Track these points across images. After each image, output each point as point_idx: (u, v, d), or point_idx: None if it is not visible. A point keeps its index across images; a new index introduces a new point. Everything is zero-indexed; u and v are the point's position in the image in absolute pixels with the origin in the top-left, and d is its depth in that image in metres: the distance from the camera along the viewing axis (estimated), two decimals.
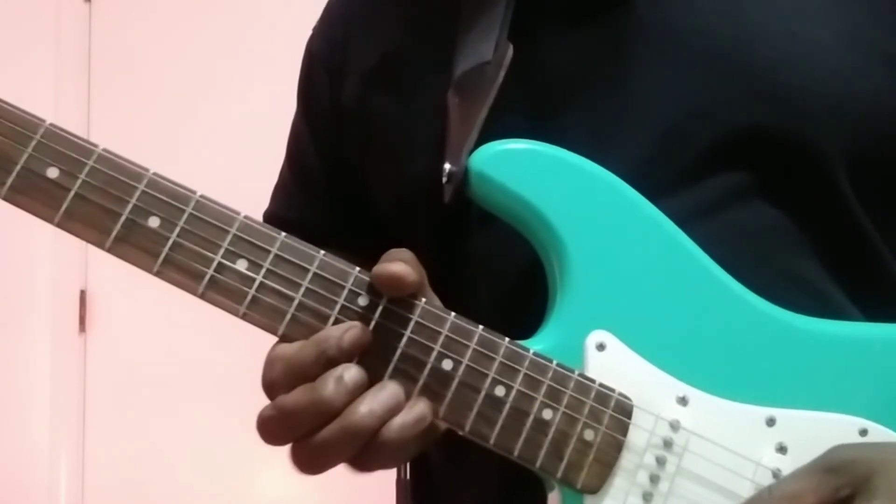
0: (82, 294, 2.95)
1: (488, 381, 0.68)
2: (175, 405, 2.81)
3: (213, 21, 2.92)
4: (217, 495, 2.80)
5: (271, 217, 0.99)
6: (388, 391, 0.66)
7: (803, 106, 0.75)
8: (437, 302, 0.71)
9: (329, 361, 0.65)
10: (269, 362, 0.69)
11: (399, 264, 0.67)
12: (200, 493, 2.79)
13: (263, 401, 0.69)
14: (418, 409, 0.66)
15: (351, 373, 0.65)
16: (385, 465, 0.68)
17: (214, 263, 0.66)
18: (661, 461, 0.70)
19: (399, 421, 0.66)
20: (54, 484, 2.90)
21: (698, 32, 0.77)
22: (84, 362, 2.95)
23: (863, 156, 0.76)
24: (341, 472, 0.70)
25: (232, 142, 2.76)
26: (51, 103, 2.81)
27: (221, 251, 0.67)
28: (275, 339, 0.70)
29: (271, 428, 0.67)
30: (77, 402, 2.93)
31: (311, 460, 0.67)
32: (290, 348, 0.67)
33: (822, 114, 0.75)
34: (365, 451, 0.66)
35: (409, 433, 0.66)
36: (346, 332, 0.66)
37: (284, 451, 0.68)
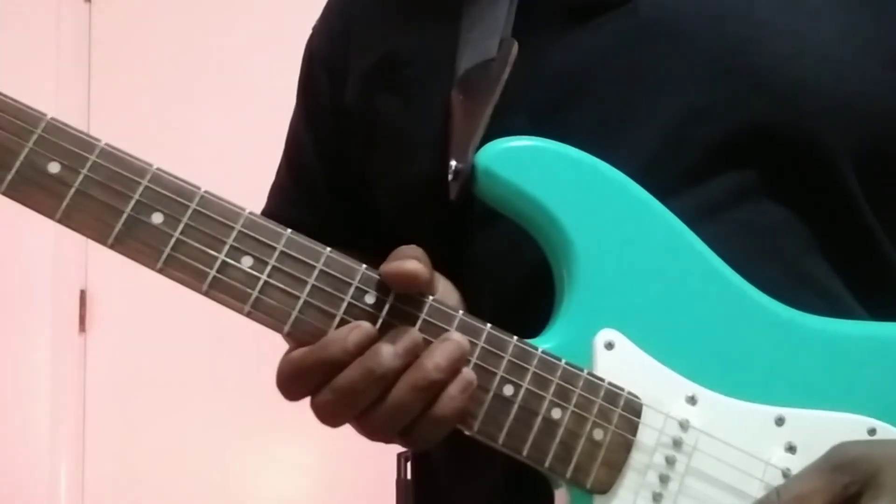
0: (82, 294, 2.94)
1: (497, 379, 0.68)
2: (175, 405, 2.81)
3: (213, 20, 2.91)
4: (217, 495, 2.80)
5: (268, 217, 0.98)
6: (452, 343, 0.66)
7: (808, 104, 0.75)
8: (455, 295, 0.71)
9: (334, 365, 0.65)
10: (279, 367, 0.68)
11: (414, 262, 0.66)
12: (200, 493, 2.78)
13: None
14: (467, 373, 0.66)
15: (407, 336, 0.65)
16: (435, 433, 0.67)
17: (219, 261, 0.66)
18: (670, 461, 0.69)
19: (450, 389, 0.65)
20: (54, 484, 2.90)
21: (703, 30, 0.77)
22: (84, 362, 2.94)
23: (868, 154, 0.76)
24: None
25: (232, 142, 2.76)
26: (51, 103, 2.80)
27: (226, 248, 0.66)
28: (276, 336, 0.69)
29: (334, 410, 0.66)
30: (77, 402, 2.92)
31: (381, 424, 0.66)
32: (296, 354, 0.67)
33: (827, 112, 0.75)
34: (425, 415, 0.65)
35: (460, 401, 0.65)
36: (351, 332, 0.65)
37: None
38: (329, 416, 0.67)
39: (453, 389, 0.65)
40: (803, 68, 0.75)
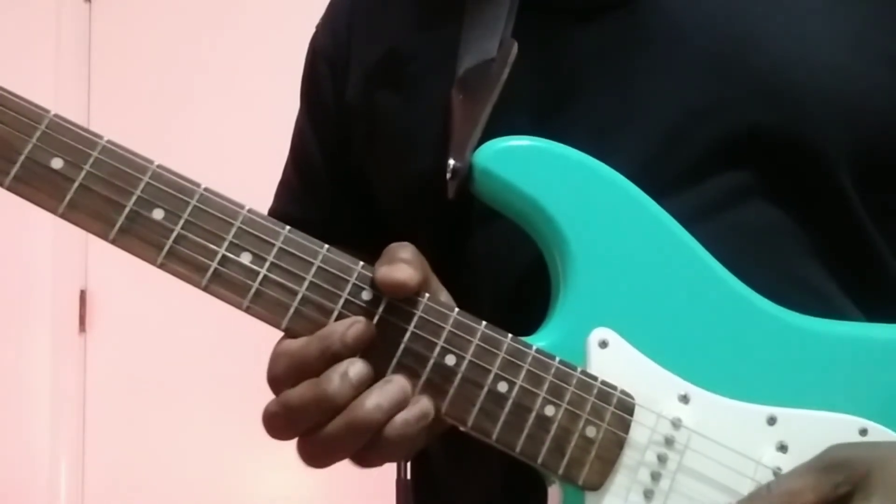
0: (82, 294, 2.94)
1: (491, 376, 0.68)
2: (175, 405, 2.81)
3: (214, 20, 2.91)
4: (217, 495, 2.80)
5: (275, 215, 0.98)
6: (395, 385, 0.66)
7: (806, 106, 0.75)
8: (445, 292, 0.71)
9: (333, 356, 0.65)
10: (274, 358, 0.69)
11: (404, 269, 0.67)
12: (200, 493, 2.78)
13: (263, 400, 0.69)
14: (422, 404, 0.66)
15: (356, 367, 0.65)
16: (387, 460, 0.68)
17: (218, 256, 0.66)
18: (662, 459, 0.70)
19: (403, 416, 0.66)
20: (54, 484, 2.90)
21: (702, 31, 0.77)
22: (84, 362, 2.94)
23: (865, 156, 0.76)
24: (342, 471, 0.70)
25: (231, 141, 2.76)
26: (51, 103, 2.79)
27: (226, 244, 0.66)
28: (276, 336, 0.70)
29: (276, 423, 0.67)
30: (77, 402, 2.92)
31: (317, 454, 0.67)
32: (294, 343, 0.67)
33: (825, 114, 0.75)
34: (369, 446, 0.66)
35: (413, 429, 0.66)
36: (351, 327, 0.66)
37: (284, 451, 0.68)
38: (272, 428, 0.67)
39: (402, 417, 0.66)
40: (802, 70, 0.75)
